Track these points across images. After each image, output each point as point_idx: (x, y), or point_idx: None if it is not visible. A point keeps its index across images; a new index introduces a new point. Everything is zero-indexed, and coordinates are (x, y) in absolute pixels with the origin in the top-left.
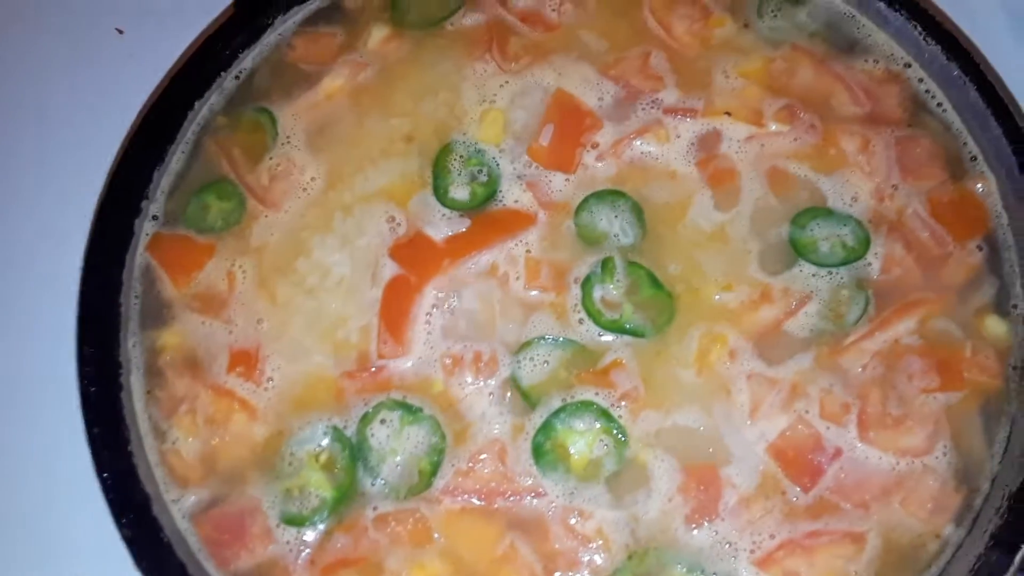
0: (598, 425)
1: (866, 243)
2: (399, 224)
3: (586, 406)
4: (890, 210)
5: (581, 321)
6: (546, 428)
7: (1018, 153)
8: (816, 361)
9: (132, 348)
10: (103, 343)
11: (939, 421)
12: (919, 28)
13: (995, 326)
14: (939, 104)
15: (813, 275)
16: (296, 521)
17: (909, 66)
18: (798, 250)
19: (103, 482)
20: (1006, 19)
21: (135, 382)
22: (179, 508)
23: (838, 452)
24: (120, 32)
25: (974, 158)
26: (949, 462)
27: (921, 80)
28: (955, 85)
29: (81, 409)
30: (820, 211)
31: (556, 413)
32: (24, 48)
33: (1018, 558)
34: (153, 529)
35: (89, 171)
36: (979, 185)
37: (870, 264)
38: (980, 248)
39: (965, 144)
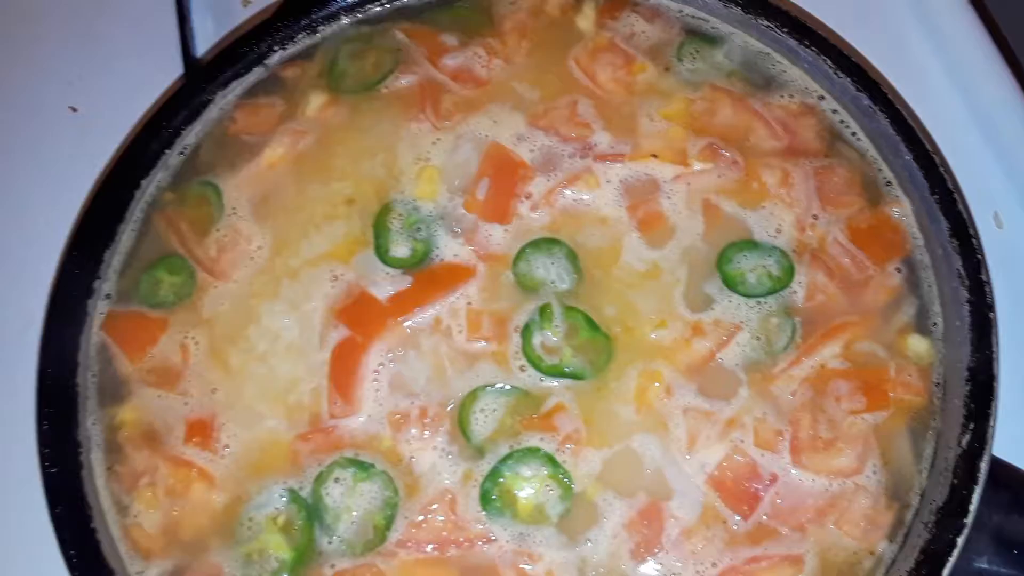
0: (544, 471)
1: (790, 272)
2: (344, 286)
3: (532, 452)
4: (812, 239)
5: (523, 368)
6: (493, 475)
7: (929, 177)
8: (749, 390)
9: (91, 426)
10: (62, 423)
11: (868, 441)
12: (829, 62)
13: (917, 344)
14: (853, 133)
15: (742, 306)
16: None
17: (823, 98)
18: (727, 282)
19: (68, 560)
20: (921, 33)
21: (95, 459)
22: None
23: (774, 478)
24: (74, 110)
25: (889, 183)
26: (879, 480)
27: (835, 111)
28: (867, 114)
29: (44, 490)
30: (746, 244)
31: (503, 460)
32: None
33: (946, 571)
34: None
35: (42, 252)
36: (895, 209)
37: (795, 292)
38: (899, 270)
39: (880, 170)
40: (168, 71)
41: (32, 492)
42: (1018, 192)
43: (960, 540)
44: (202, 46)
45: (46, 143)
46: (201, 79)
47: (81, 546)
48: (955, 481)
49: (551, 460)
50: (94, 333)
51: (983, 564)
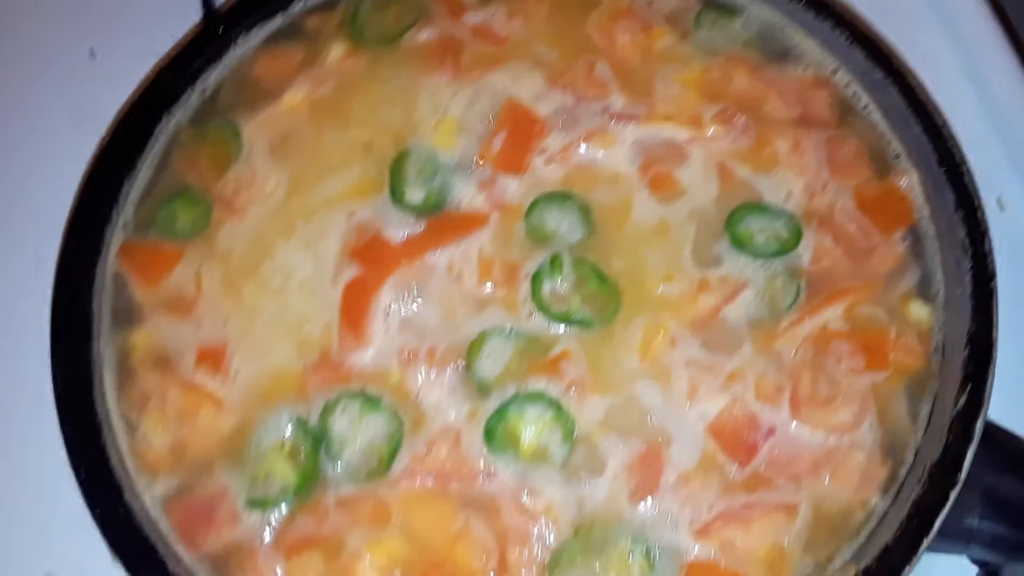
0: (548, 414)
1: (798, 235)
2: (358, 227)
3: (537, 396)
4: (821, 205)
5: (531, 314)
6: (499, 414)
7: (937, 148)
8: (752, 346)
9: (104, 349)
10: (76, 345)
11: (866, 399)
12: (844, 35)
13: (918, 310)
14: (864, 106)
15: (749, 266)
16: (261, 504)
17: (836, 71)
18: (735, 242)
19: (77, 473)
20: (934, 22)
21: (107, 379)
22: (150, 496)
23: (772, 430)
24: (93, 55)
25: (897, 155)
26: (875, 437)
27: (848, 84)
28: (879, 88)
29: (55, 405)
30: (756, 207)
31: (509, 401)
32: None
33: (937, 522)
34: (126, 515)
35: (62, 183)
36: (903, 180)
37: (802, 255)
38: (904, 239)
39: (889, 143)
40: (187, 19)
41: (45, 409)
42: (1021, 177)
43: (952, 495)
44: None
45: (65, 86)
46: (220, 26)
47: (90, 460)
48: (950, 440)
49: (555, 404)
50: (110, 260)
51: (973, 521)
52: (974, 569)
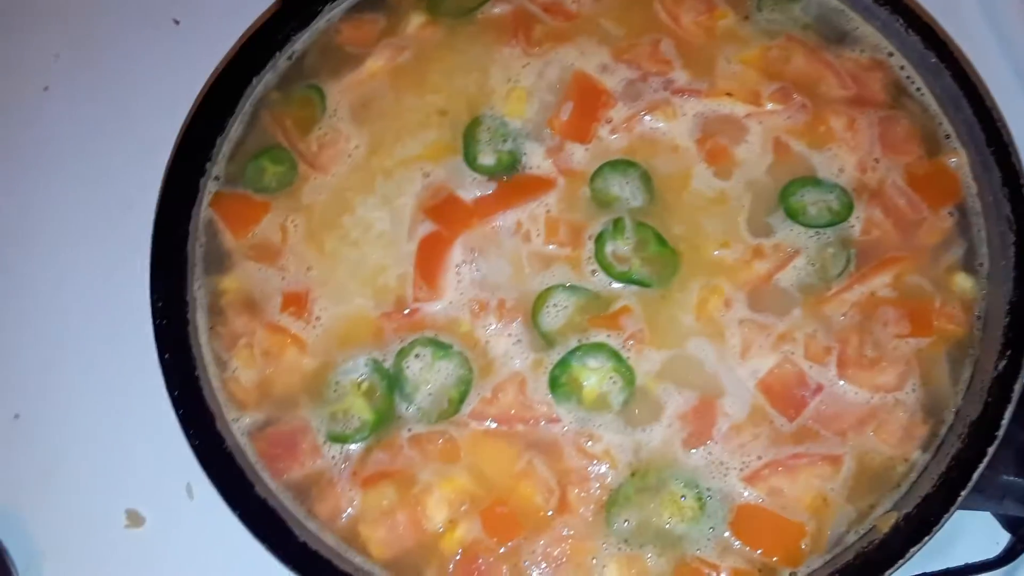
0: (609, 364)
1: (850, 208)
2: (433, 186)
3: (599, 347)
4: (872, 180)
5: (594, 272)
6: (562, 364)
7: (986, 130)
8: (802, 309)
9: (197, 290)
10: (172, 285)
11: (910, 362)
12: (901, 21)
13: (963, 281)
14: (918, 88)
15: (802, 235)
16: (341, 439)
17: (892, 55)
18: (789, 213)
19: (173, 399)
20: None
21: (200, 319)
22: (238, 427)
23: (819, 387)
24: (176, 23)
25: (948, 136)
26: (918, 398)
27: (902, 67)
28: (932, 71)
29: (155, 339)
30: (809, 180)
31: (572, 351)
32: (89, 41)
33: (975, 475)
34: (217, 441)
35: (159, 141)
36: (952, 159)
37: (853, 226)
38: (951, 214)
39: (940, 124)
40: None
41: (145, 342)
42: None
43: (990, 450)
44: None
45: (151, 53)
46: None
47: (185, 390)
48: (989, 400)
49: (616, 355)
50: (203, 209)
51: (1009, 476)
52: (1006, 537)
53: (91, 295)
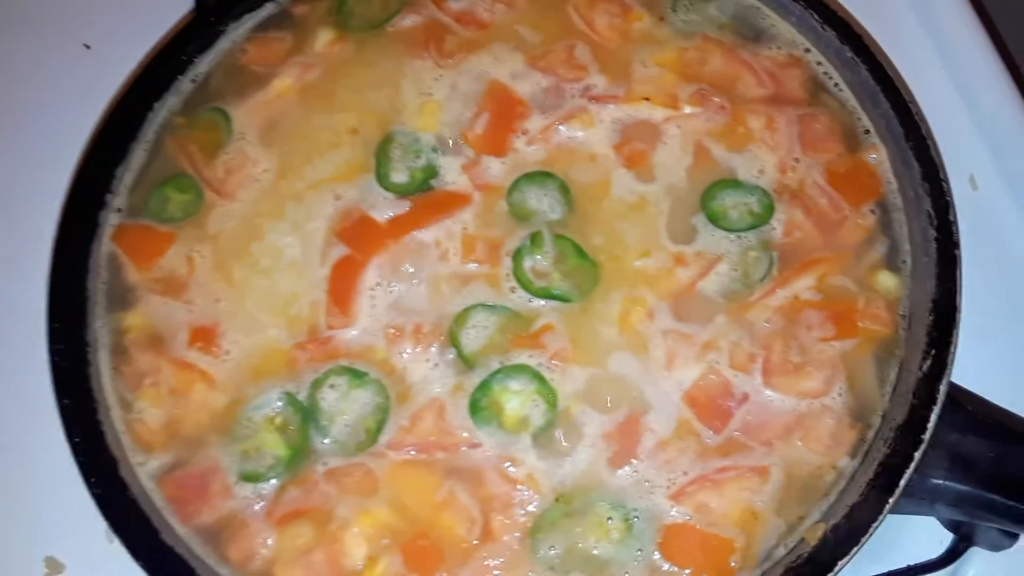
0: (532, 386)
1: (770, 210)
2: (345, 208)
3: (521, 369)
4: (792, 180)
5: (513, 289)
6: (483, 387)
7: (905, 124)
8: (726, 316)
9: (99, 329)
10: (72, 324)
11: (835, 366)
12: (816, 16)
13: (886, 280)
14: (836, 84)
15: (723, 240)
16: (253, 478)
17: (809, 51)
18: (710, 217)
19: (73, 447)
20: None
21: (102, 359)
22: (144, 470)
23: (745, 397)
24: (87, 47)
25: (867, 131)
26: (844, 402)
27: (819, 63)
28: (849, 66)
29: (52, 384)
30: (729, 182)
31: (493, 374)
32: None
33: (903, 481)
34: (121, 488)
35: (56, 169)
36: (872, 155)
37: (774, 228)
38: (873, 211)
39: (859, 119)
40: (180, 8)
41: (42, 386)
42: (992, 155)
43: (917, 454)
44: None
45: (61, 77)
46: (211, 16)
47: (86, 435)
48: (915, 402)
49: (538, 376)
50: (104, 243)
51: (939, 480)
52: (949, 536)
53: None
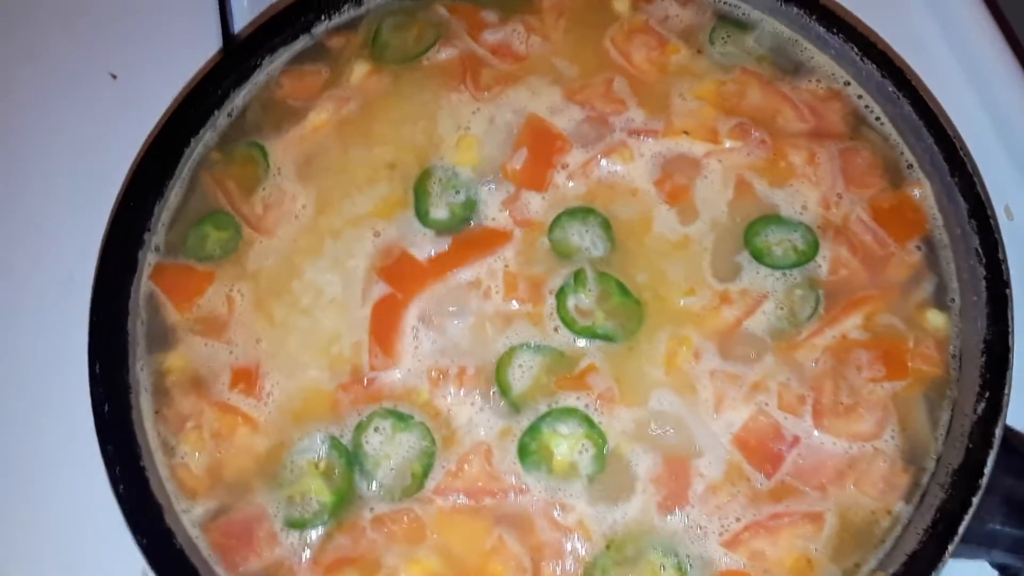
0: (580, 430)
1: (815, 246)
2: (385, 245)
3: (570, 412)
4: (836, 216)
5: (557, 329)
6: (532, 431)
7: (949, 160)
8: (773, 357)
9: (140, 371)
10: (113, 367)
11: (887, 408)
12: (856, 49)
13: (935, 318)
14: (877, 118)
15: (768, 277)
16: (299, 524)
17: (849, 84)
18: (754, 254)
19: (118, 495)
20: (938, 33)
21: (144, 402)
22: (189, 517)
23: (796, 440)
24: (114, 77)
25: (910, 166)
26: (897, 445)
27: (860, 96)
28: (891, 100)
29: (95, 429)
30: (772, 219)
31: (543, 417)
32: (23, 95)
33: (961, 528)
34: (166, 537)
35: (93, 209)
36: (916, 191)
37: (820, 266)
38: (919, 248)
39: (902, 153)
40: (207, 44)
41: (85, 432)
42: None
43: (975, 500)
44: (239, 22)
45: (89, 108)
46: (240, 50)
47: (130, 482)
48: (970, 446)
49: (588, 420)
50: (143, 283)
51: (996, 525)
52: (994, 574)
53: (28, 380)
